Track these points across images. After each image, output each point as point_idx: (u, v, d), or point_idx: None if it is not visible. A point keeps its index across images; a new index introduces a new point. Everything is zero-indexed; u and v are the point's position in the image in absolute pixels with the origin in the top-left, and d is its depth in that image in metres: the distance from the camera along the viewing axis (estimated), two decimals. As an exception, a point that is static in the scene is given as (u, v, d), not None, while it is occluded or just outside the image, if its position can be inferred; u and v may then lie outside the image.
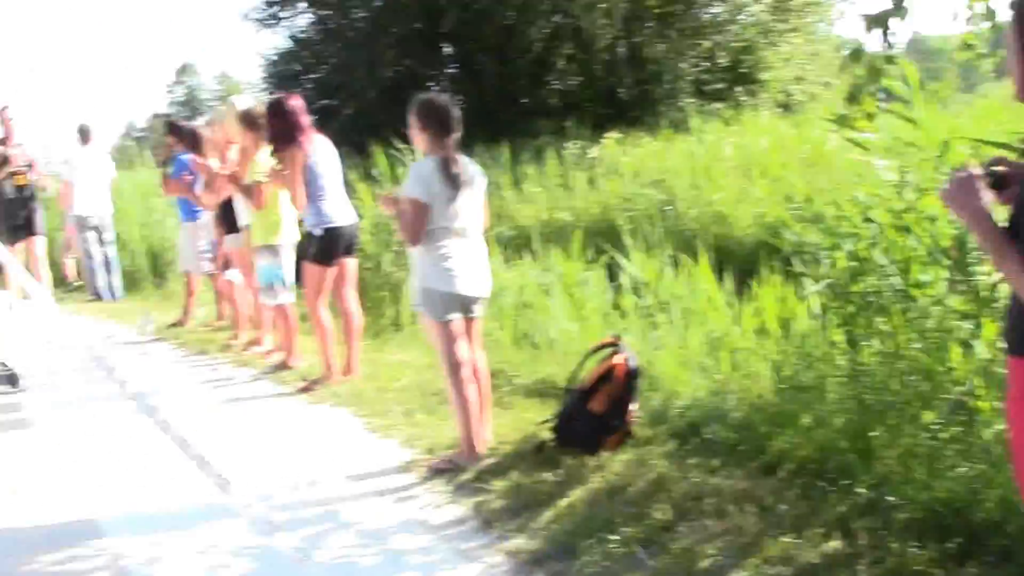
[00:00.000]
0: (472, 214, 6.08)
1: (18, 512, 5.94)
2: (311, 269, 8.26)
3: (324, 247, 8.17)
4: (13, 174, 12.88)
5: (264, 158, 8.67)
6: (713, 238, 12.14)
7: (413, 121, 6.06)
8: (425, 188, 5.87)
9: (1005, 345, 2.96)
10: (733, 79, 25.47)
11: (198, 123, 11.13)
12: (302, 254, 8.48)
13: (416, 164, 6.18)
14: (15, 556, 5.29)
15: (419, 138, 6.07)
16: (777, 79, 25.66)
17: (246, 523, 5.57)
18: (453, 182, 5.91)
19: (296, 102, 8.26)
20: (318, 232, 8.15)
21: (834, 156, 13.53)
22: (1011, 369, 2.90)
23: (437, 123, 5.99)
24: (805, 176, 13.89)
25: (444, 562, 4.97)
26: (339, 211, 8.28)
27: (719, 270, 8.32)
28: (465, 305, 6.08)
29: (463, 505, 5.63)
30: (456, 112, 6.02)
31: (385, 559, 5.05)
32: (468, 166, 6.09)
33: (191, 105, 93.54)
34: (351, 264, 8.57)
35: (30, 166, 13.72)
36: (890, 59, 5.31)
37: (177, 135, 11.37)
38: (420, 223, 5.89)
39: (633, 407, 6.15)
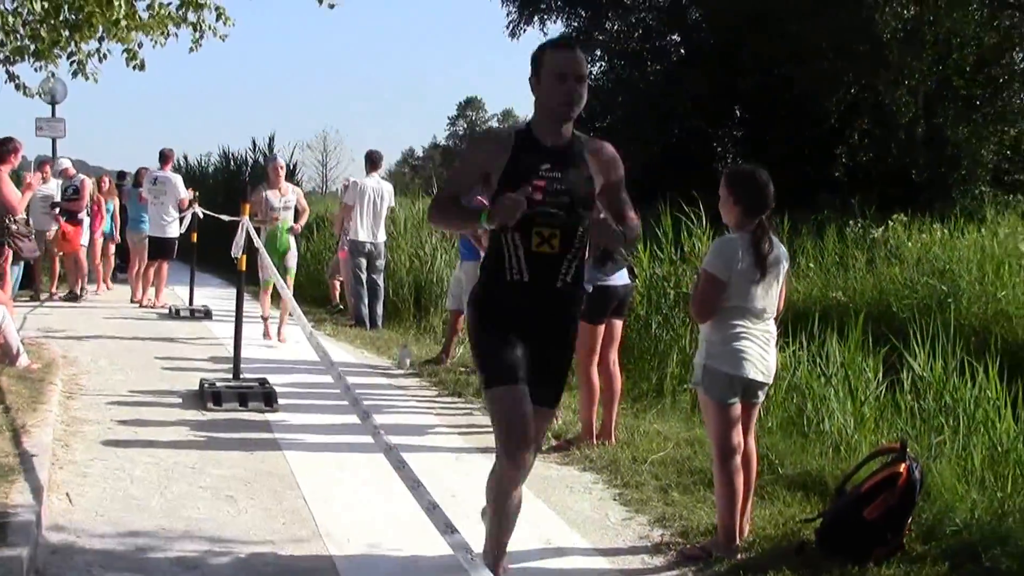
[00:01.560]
0: (770, 296, 5.78)
1: (255, 534, 5.93)
2: (582, 327, 8.03)
3: (593, 305, 7.95)
4: None
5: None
6: (996, 339, 11.46)
7: (725, 193, 5.80)
8: (726, 265, 5.63)
9: None
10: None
11: None
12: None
13: (722, 240, 5.90)
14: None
15: (730, 212, 5.79)
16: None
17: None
18: (759, 262, 5.64)
19: None
20: (588, 289, 7.94)
21: None
22: None
23: (752, 198, 5.72)
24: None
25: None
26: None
27: (1007, 377, 7.88)
28: (748, 390, 5.79)
29: (712, 601, 5.35)
30: (772, 188, 5.73)
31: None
32: (777, 246, 5.81)
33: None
34: (618, 325, 8.38)
35: None
36: None
37: None
38: (713, 300, 5.66)
39: (909, 520, 5.77)
